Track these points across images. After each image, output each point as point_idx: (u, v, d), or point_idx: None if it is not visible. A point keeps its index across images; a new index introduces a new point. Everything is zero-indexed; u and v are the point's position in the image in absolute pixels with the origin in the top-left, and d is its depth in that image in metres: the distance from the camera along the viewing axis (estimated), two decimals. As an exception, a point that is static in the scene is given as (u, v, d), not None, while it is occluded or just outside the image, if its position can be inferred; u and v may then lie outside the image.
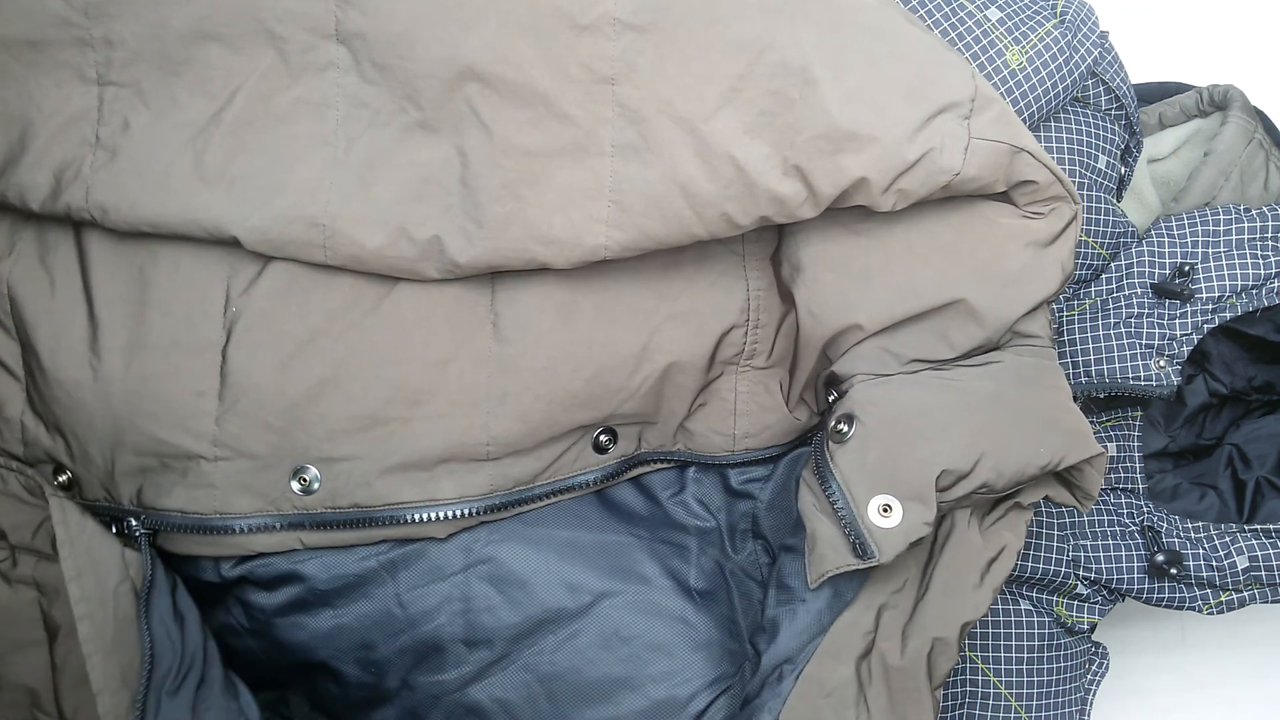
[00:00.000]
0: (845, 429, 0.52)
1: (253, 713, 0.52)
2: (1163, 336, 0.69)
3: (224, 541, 0.55)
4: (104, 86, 0.53)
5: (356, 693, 0.59)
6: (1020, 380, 0.53)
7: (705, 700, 0.57)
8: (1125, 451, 0.73)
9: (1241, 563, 0.69)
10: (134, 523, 0.54)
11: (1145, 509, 0.72)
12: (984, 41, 0.66)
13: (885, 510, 0.50)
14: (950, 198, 0.53)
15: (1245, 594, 0.70)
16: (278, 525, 0.55)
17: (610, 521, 0.60)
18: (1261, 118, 0.76)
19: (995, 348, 0.54)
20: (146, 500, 0.55)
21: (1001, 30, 0.67)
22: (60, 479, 0.56)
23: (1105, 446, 0.72)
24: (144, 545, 0.53)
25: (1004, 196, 0.53)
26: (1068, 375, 0.70)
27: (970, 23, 0.67)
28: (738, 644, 0.58)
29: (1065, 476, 0.54)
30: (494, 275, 0.55)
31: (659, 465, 0.61)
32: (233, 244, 0.53)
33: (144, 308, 0.54)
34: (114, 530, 0.54)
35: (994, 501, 0.54)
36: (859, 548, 0.50)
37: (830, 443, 0.53)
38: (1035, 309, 0.53)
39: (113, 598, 0.49)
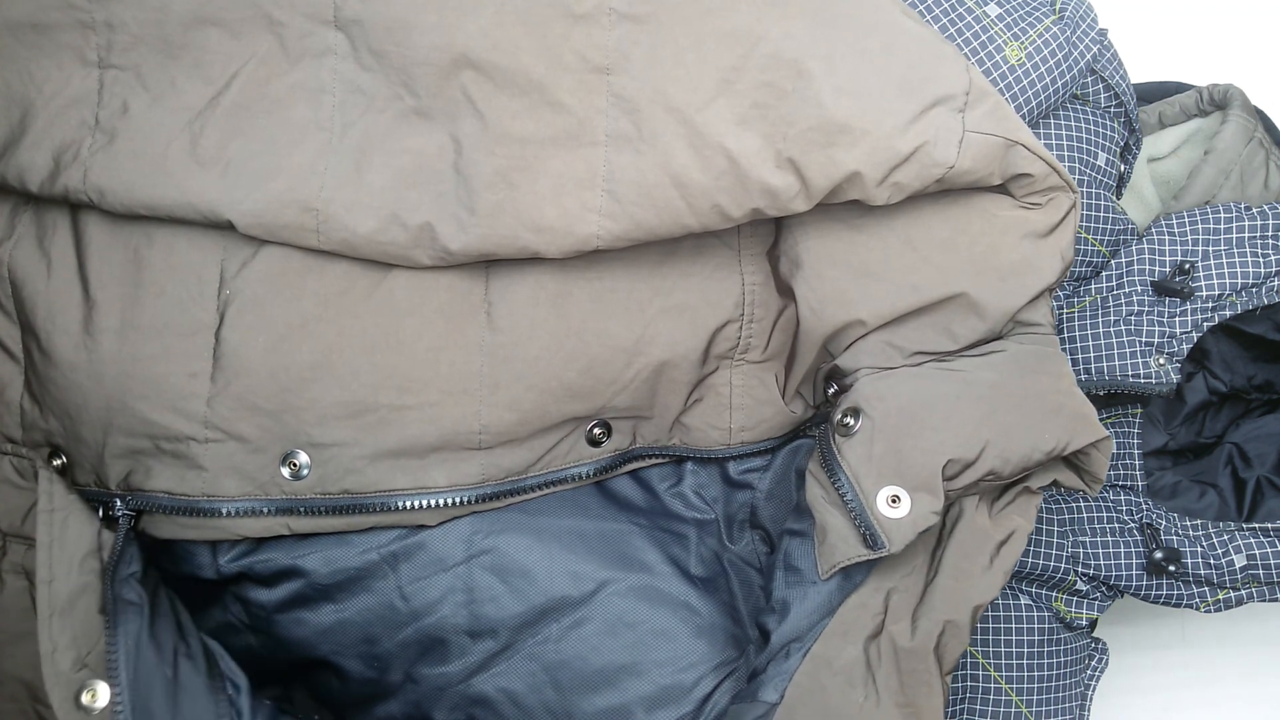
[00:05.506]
0: (851, 422, 0.52)
1: (240, 680, 0.51)
2: (1162, 334, 0.69)
3: (209, 525, 0.55)
4: (104, 69, 0.53)
5: (360, 688, 0.58)
6: (1023, 368, 0.53)
7: (710, 685, 0.57)
8: (1125, 449, 0.73)
9: (1239, 561, 0.68)
10: (119, 504, 0.54)
11: (1144, 506, 0.71)
12: (983, 37, 0.66)
13: (894, 501, 0.50)
14: (947, 191, 0.52)
15: (1243, 592, 0.70)
16: (265, 510, 0.55)
17: (610, 510, 0.60)
18: (1261, 117, 0.76)
19: (998, 337, 0.54)
20: (135, 483, 0.55)
21: (1000, 26, 0.67)
22: (56, 463, 0.56)
23: (1105, 442, 0.73)
24: (122, 525, 0.53)
25: (1001, 188, 0.53)
26: (1066, 373, 0.70)
27: (969, 19, 0.67)
28: (740, 629, 0.58)
29: (1073, 461, 0.53)
30: (488, 265, 0.56)
31: (655, 461, 0.61)
32: (227, 227, 0.53)
33: (138, 289, 0.54)
34: (100, 514, 0.54)
35: (1003, 487, 0.54)
36: (869, 539, 0.50)
37: (836, 436, 0.53)
38: (1036, 298, 0.53)
39: (78, 568, 0.49)
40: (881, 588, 0.53)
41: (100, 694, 0.46)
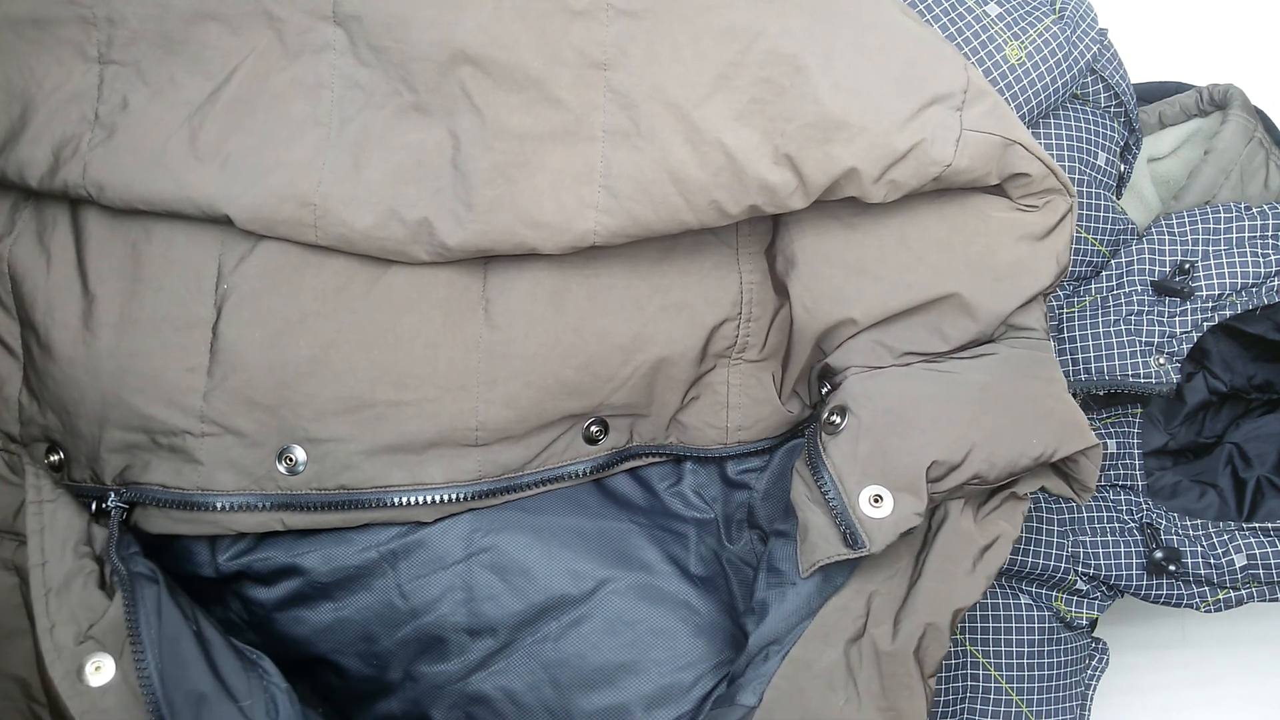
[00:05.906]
0: (838, 420, 0.52)
1: (258, 652, 0.52)
2: (1162, 334, 0.69)
3: (203, 519, 0.55)
4: (105, 65, 0.53)
5: (359, 686, 0.58)
6: (1013, 372, 0.52)
7: (709, 684, 0.56)
8: (1125, 448, 0.73)
9: (1240, 561, 0.68)
10: (112, 497, 0.54)
11: (1144, 506, 0.71)
12: (983, 37, 0.66)
13: (876, 501, 0.50)
14: (944, 191, 0.52)
15: (1243, 592, 0.69)
16: (260, 505, 0.55)
17: (610, 509, 0.60)
18: (1261, 117, 0.76)
19: (990, 340, 0.54)
20: (130, 477, 0.55)
21: (1000, 26, 0.67)
22: (52, 459, 0.56)
23: (1105, 444, 0.72)
24: (114, 517, 0.53)
25: (998, 189, 0.53)
26: (1067, 372, 0.70)
27: (970, 18, 0.67)
28: (739, 629, 0.58)
29: (1062, 468, 0.53)
30: (486, 261, 0.56)
31: (651, 459, 0.61)
32: (225, 222, 0.53)
33: (136, 283, 0.54)
34: (93, 509, 0.54)
35: (990, 491, 0.54)
36: (850, 538, 0.50)
37: (823, 434, 0.53)
38: (1030, 301, 0.53)
39: (71, 552, 0.49)
40: (863, 590, 0.52)
41: (105, 667, 0.46)
